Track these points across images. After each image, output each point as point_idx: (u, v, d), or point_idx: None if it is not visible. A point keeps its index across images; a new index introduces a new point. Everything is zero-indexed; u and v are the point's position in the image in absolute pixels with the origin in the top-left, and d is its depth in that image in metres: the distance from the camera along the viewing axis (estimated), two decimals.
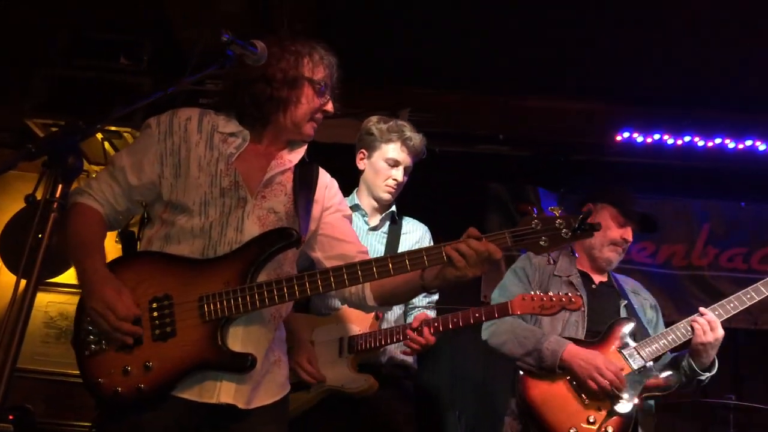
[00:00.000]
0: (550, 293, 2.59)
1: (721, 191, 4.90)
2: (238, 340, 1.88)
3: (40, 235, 1.33)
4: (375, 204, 2.98)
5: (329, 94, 2.12)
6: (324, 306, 2.82)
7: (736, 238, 4.80)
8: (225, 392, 1.85)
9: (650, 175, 4.85)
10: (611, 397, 2.72)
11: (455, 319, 2.60)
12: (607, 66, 4.38)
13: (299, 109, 2.06)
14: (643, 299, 3.15)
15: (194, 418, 1.85)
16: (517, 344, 2.84)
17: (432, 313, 2.89)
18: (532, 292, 2.65)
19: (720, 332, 2.76)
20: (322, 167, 2.27)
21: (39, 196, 1.35)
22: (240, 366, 1.84)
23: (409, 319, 2.84)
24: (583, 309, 2.92)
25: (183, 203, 1.94)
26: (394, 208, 3.02)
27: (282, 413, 2.05)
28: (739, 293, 2.84)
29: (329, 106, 2.13)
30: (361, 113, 4.85)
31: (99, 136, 4.18)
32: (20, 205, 4.40)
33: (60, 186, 1.33)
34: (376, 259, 1.88)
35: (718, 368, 2.88)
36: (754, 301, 2.83)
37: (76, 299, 4.53)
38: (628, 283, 3.20)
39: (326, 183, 2.22)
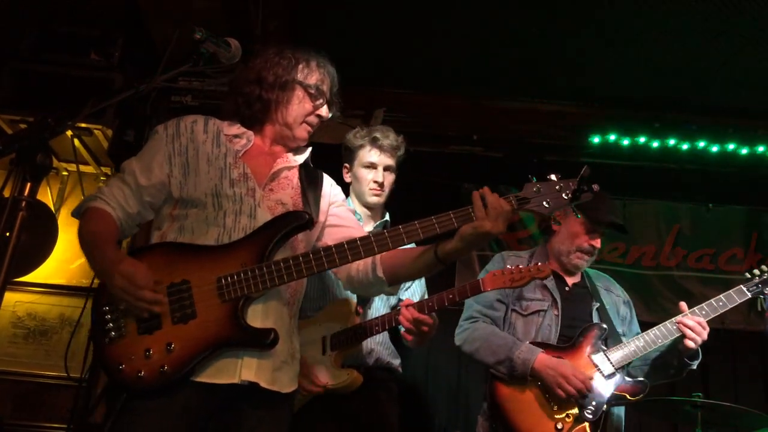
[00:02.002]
0: (521, 266, 2.57)
1: (690, 193, 4.99)
2: (258, 318, 1.91)
3: (7, 234, 1.31)
4: (367, 212, 3.03)
5: (324, 99, 2.18)
6: (309, 309, 2.83)
7: (704, 240, 4.89)
8: (246, 369, 1.87)
9: (621, 177, 4.92)
10: (579, 404, 2.76)
11: (430, 303, 2.61)
12: (579, 68, 4.43)
13: (289, 110, 2.14)
14: (615, 296, 3.19)
15: (213, 401, 1.86)
16: (489, 352, 2.87)
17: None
18: (521, 266, 2.60)
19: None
20: None
21: (6, 194, 1.33)
22: (262, 340, 1.87)
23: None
24: (556, 313, 2.96)
25: (194, 197, 1.99)
26: (387, 216, 3.07)
27: (290, 410, 2.08)
28: (711, 300, 2.93)
29: (323, 111, 2.19)
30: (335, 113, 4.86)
31: (69, 133, 4.11)
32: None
33: (28, 184, 1.31)
34: (389, 230, 1.92)
35: None
36: (726, 309, 2.93)
37: (44, 299, 4.52)
38: (601, 280, 3.23)
39: (331, 182, 2.33)
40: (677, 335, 2.87)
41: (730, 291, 2.94)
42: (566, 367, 2.78)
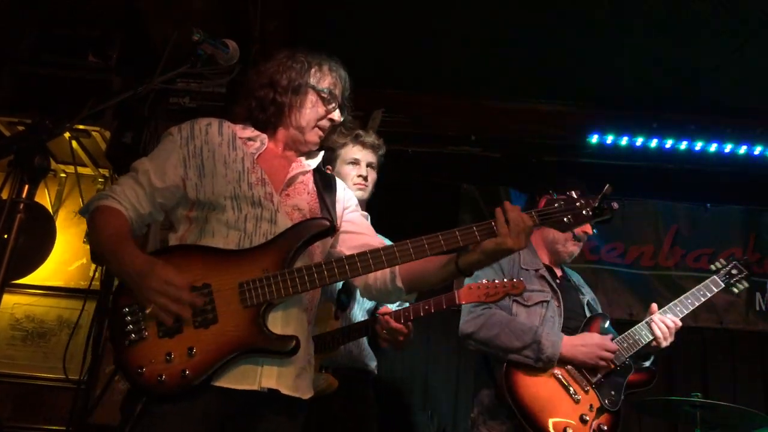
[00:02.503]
0: (496, 281, 2.59)
1: (688, 193, 4.99)
2: (278, 325, 1.90)
3: (5, 236, 1.31)
4: None
5: (336, 104, 2.18)
6: None
7: (702, 239, 4.90)
8: (266, 376, 1.87)
9: (619, 177, 4.91)
10: (600, 394, 2.75)
11: (406, 313, 2.67)
12: (577, 68, 4.43)
13: (302, 114, 2.13)
14: (588, 293, 3.20)
15: (232, 406, 1.85)
16: (513, 337, 2.77)
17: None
18: (496, 281, 2.63)
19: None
20: None
21: (4, 196, 1.33)
22: (284, 348, 1.86)
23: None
24: (558, 305, 2.94)
25: (213, 200, 1.98)
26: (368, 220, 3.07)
27: (304, 416, 2.06)
28: (682, 297, 2.99)
29: (335, 115, 2.18)
30: None
31: (67, 135, 4.11)
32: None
33: (26, 186, 1.31)
34: (412, 241, 1.92)
35: (685, 366, 2.96)
36: (700, 303, 2.99)
37: (43, 301, 4.52)
38: (575, 277, 3.24)
39: (343, 186, 2.32)
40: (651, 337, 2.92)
41: (701, 285, 3.02)
42: (596, 337, 2.79)
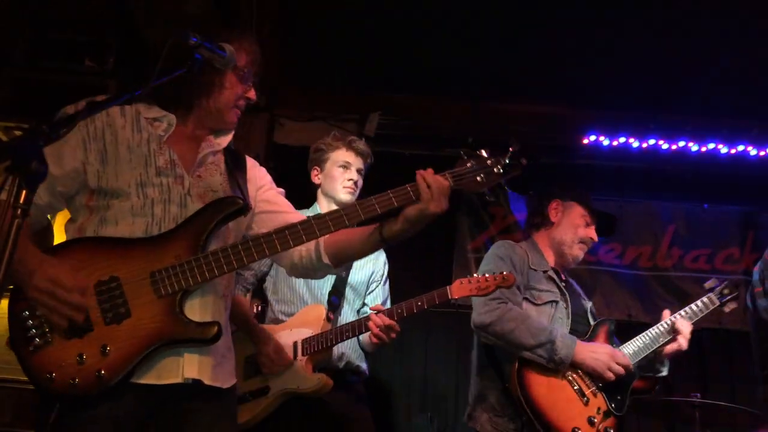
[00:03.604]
0: (487, 275, 2.59)
1: (685, 193, 5.00)
2: (196, 312, 1.81)
3: (3, 241, 1.30)
4: None
5: (251, 82, 2.07)
6: (281, 314, 2.92)
7: (700, 240, 4.91)
8: (188, 367, 1.79)
9: (616, 178, 4.93)
10: (606, 398, 2.77)
11: (399, 310, 2.67)
12: (573, 70, 4.44)
13: (222, 94, 1.99)
14: (588, 300, 3.21)
15: (151, 403, 1.77)
16: (529, 334, 2.74)
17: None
18: (487, 275, 2.63)
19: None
20: (292, 170, 2.25)
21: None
22: (207, 335, 1.76)
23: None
24: (566, 306, 2.95)
25: (116, 188, 1.84)
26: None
27: (234, 403, 2.01)
28: (692, 305, 3.00)
29: (251, 93, 2.07)
30: (331, 117, 4.86)
31: None
32: None
33: (23, 191, 1.30)
34: (329, 212, 1.88)
35: (684, 367, 2.97)
36: (705, 312, 2.99)
37: None
38: (575, 284, 3.24)
39: (253, 164, 2.21)
40: (670, 336, 2.91)
41: (704, 298, 3.03)
42: (608, 349, 2.80)
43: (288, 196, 2.26)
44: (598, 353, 2.78)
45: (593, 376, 2.79)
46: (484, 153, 1.95)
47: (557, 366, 2.74)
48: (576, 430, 2.66)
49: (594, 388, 2.80)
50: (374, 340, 2.71)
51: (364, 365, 3.01)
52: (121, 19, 3.97)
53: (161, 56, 1.67)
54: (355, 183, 3.04)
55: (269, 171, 2.27)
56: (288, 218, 2.01)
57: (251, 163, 2.20)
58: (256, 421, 2.71)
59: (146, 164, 1.88)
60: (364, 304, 3.09)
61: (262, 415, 2.71)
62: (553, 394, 2.73)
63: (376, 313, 2.68)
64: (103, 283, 1.76)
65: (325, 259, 2.02)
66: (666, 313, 2.98)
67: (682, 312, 2.97)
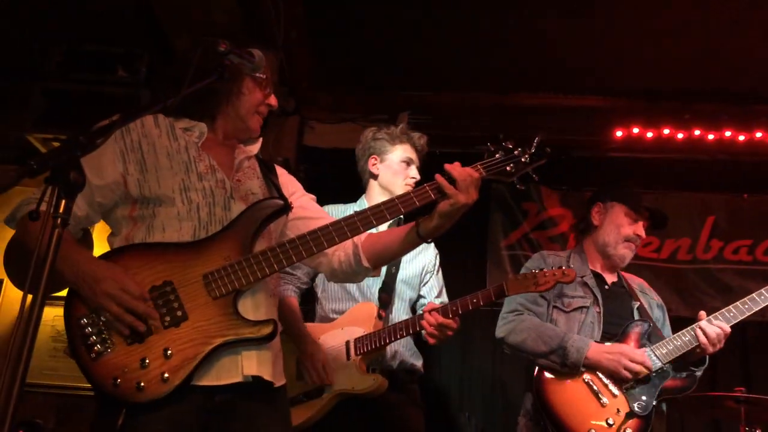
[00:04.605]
0: (545, 270, 2.54)
1: (724, 184, 4.89)
2: (249, 312, 1.85)
3: (45, 250, 1.33)
4: None
5: (270, 89, 2.11)
6: (332, 312, 2.88)
7: (740, 231, 4.78)
8: (247, 364, 1.82)
9: (652, 170, 4.85)
10: (629, 398, 2.74)
11: (454, 307, 2.60)
12: (604, 61, 4.38)
13: (242, 100, 2.04)
14: (650, 299, 3.16)
15: (211, 404, 1.80)
16: (540, 342, 2.81)
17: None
18: (545, 270, 2.57)
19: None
20: (322, 171, 2.28)
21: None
22: (263, 332, 1.81)
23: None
24: (598, 310, 2.94)
25: (159, 195, 1.88)
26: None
27: (286, 403, 2.04)
28: (738, 303, 2.87)
29: (272, 100, 2.11)
30: (359, 118, 4.87)
31: None
32: (24, 221, 4.41)
33: (63, 201, 1.33)
34: (357, 213, 1.91)
35: (728, 361, 2.91)
36: (752, 312, 2.86)
37: None
38: (635, 282, 3.20)
39: (283, 171, 2.26)
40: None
41: (754, 295, 2.89)
42: (624, 348, 2.78)
43: (319, 198, 2.29)
44: (611, 353, 2.77)
45: (613, 376, 2.76)
46: (510, 144, 2.03)
47: (571, 370, 2.77)
48: (591, 431, 2.66)
49: (615, 389, 2.77)
50: (430, 339, 2.66)
51: (418, 363, 2.95)
52: (152, 29, 4.03)
53: (191, 64, 1.69)
54: (417, 181, 3.00)
55: (300, 174, 2.30)
56: (323, 224, 2.02)
57: (280, 170, 2.25)
58: (311, 422, 2.67)
59: (188, 170, 1.92)
60: (420, 296, 3.03)
61: (317, 416, 2.67)
62: (570, 397, 2.75)
63: (429, 312, 2.61)
64: (157, 288, 1.79)
65: (365, 263, 2.06)
66: (702, 314, 2.90)
67: (718, 313, 2.88)
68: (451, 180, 1.90)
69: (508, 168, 2.01)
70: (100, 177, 1.87)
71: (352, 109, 4.90)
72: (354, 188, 3.17)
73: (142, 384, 1.71)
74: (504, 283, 2.56)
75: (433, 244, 3.11)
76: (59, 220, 1.32)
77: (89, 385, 1.77)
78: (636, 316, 3.00)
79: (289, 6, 3.92)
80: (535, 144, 2.03)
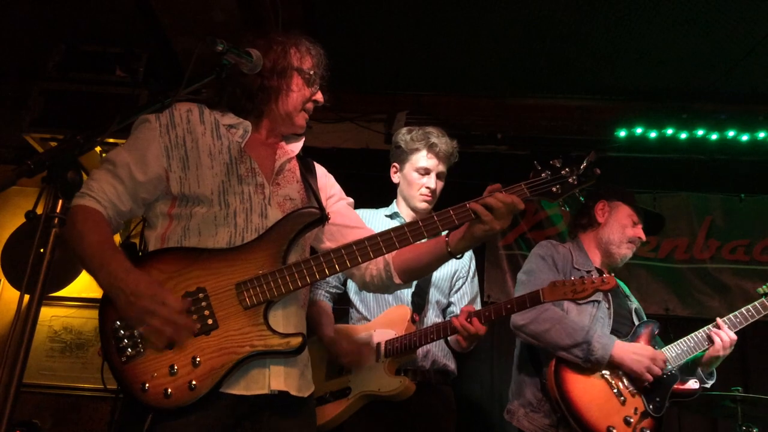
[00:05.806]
0: (584, 277, 2.51)
1: (721, 184, 4.90)
2: (279, 323, 1.84)
3: (42, 250, 1.33)
4: (413, 214, 2.97)
5: (318, 84, 2.10)
6: (365, 312, 2.87)
7: (737, 230, 4.79)
8: (275, 378, 1.82)
9: (650, 170, 4.85)
10: (645, 399, 2.75)
11: (487, 313, 2.57)
12: (602, 62, 4.38)
13: (290, 97, 2.04)
14: (634, 301, 3.17)
15: (238, 413, 1.80)
16: (564, 334, 2.74)
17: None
18: (584, 277, 2.56)
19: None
20: None
21: (39, 211, 1.35)
22: (292, 345, 1.79)
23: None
24: (608, 306, 2.93)
25: (198, 194, 1.87)
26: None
27: (313, 412, 2.03)
28: (749, 306, 2.97)
29: (319, 96, 2.11)
30: (358, 118, 4.88)
31: (98, 149, 4.18)
32: (21, 220, 4.41)
33: (60, 201, 1.33)
34: (394, 229, 1.90)
35: (725, 361, 2.93)
36: (761, 315, 2.96)
37: (80, 312, 4.58)
38: (621, 284, 3.20)
39: (324, 172, 2.24)
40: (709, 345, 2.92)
41: (756, 303, 2.99)
42: (650, 349, 2.78)
43: None
44: (639, 354, 2.75)
45: (632, 376, 2.76)
46: (558, 163, 1.96)
47: (593, 366, 2.74)
48: (611, 429, 2.65)
49: (633, 388, 2.77)
50: (464, 343, 2.64)
51: (452, 365, 2.90)
52: (151, 29, 4.03)
53: (191, 63, 1.70)
54: (433, 191, 2.91)
55: None
56: (357, 234, 2.01)
57: (321, 171, 2.23)
58: (337, 422, 2.65)
59: (228, 172, 1.92)
60: (450, 303, 2.97)
61: (343, 416, 2.65)
62: (590, 392, 2.72)
63: (467, 318, 2.55)
64: (190, 294, 1.78)
65: (396, 279, 2.06)
66: (719, 321, 2.95)
67: (731, 316, 2.94)
68: (489, 209, 1.86)
69: (554, 189, 1.94)
70: (144, 173, 1.87)
71: (351, 109, 4.90)
72: (353, 189, 3.13)
73: (170, 391, 1.71)
74: (540, 290, 2.52)
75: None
76: (56, 220, 1.32)
77: (85, 385, 1.77)
78: (634, 317, 3.01)
79: (289, 6, 3.92)
80: (584, 164, 1.95)
